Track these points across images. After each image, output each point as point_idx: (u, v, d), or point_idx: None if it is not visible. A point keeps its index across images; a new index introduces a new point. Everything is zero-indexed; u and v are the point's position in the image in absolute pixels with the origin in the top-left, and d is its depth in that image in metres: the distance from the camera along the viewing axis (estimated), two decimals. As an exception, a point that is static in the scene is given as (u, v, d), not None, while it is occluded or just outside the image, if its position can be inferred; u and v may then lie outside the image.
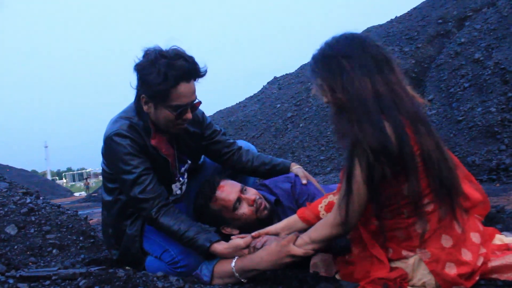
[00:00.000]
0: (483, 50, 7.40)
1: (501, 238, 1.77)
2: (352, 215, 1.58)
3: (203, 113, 2.42)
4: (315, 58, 1.73)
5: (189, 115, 2.12)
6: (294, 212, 2.02)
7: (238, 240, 1.93)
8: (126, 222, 2.27)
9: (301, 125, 9.45)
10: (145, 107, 2.12)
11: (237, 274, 1.87)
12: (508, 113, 5.83)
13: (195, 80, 2.09)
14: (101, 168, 2.31)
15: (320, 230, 1.69)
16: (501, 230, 1.97)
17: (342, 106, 1.64)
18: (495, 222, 2.46)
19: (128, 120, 2.15)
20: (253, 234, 1.92)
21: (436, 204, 1.59)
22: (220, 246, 1.96)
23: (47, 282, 1.80)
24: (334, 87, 1.63)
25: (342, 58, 1.63)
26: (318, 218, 1.86)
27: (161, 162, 2.21)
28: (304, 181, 2.25)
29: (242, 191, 2.14)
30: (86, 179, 35.11)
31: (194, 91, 2.10)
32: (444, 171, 1.58)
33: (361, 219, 1.67)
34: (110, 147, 2.11)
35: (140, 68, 2.06)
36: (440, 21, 9.62)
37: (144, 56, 2.08)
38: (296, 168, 2.41)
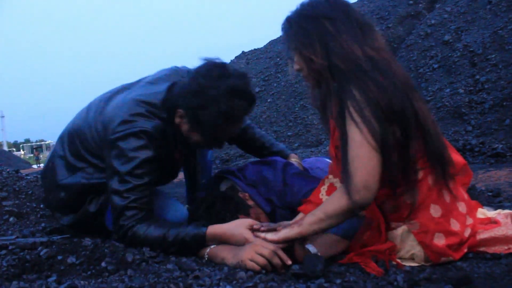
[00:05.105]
0: (453, 33, 7.49)
1: (483, 212, 1.74)
2: (364, 182, 1.41)
3: None
4: (291, 20, 1.60)
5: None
6: (284, 210, 1.92)
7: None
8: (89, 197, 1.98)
9: (269, 100, 9.38)
10: (177, 119, 1.83)
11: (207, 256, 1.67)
12: (475, 95, 5.93)
13: None
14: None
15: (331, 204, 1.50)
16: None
17: (319, 75, 1.55)
18: (468, 199, 2.46)
19: (160, 121, 1.82)
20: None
21: (425, 171, 1.53)
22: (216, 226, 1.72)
23: (3, 252, 1.65)
24: (310, 55, 1.52)
25: (325, 19, 1.52)
26: None
27: (171, 170, 2.03)
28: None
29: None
30: (35, 149, 33.48)
31: (241, 126, 1.89)
32: (435, 138, 1.53)
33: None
34: (129, 141, 1.76)
35: (196, 92, 1.74)
36: (411, 2, 9.68)
37: (205, 76, 1.75)
38: (293, 161, 2.23)
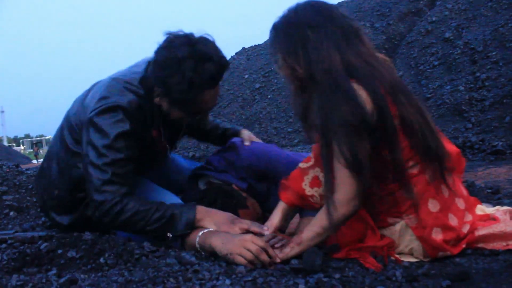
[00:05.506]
0: (454, 30, 7.49)
1: (482, 209, 1.75)
2: (347, 197, 1.49)
3: None
4: (277, 26, 1.62)
5: (205, 117, 1.93)
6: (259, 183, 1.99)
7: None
8: (80, 194, 1.94)
9: (269, 96, 9.37)
10: (156, 99, 1.82)
11: (198, 246, 1.69)
12: (475, 92, 5.93)
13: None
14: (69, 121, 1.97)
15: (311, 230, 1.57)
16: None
17: (302, 83, 1.57)
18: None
19: (136, 96, 1.81)
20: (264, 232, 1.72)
21: (422, 166, 1.54)
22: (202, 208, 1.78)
23: (3, 246, 1.66)
24: (293, 63, 1.55)
25: (308, 27, 1.54)
26: (304, 197, 1.73)
27: (149, 148, 1.97)
28: (246, 143, 2.11)
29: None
30: (35, 144, 33.34)
31: (218, 94, 1.84)
32: (429, 137, 1.53)
33: None
34: (105, 116, 1.76)
35: (161, 64, 1.73)
36: (412, -1, 9.66)
37: (167, 47, 1.73)
38: (246, 133, 2.28)
